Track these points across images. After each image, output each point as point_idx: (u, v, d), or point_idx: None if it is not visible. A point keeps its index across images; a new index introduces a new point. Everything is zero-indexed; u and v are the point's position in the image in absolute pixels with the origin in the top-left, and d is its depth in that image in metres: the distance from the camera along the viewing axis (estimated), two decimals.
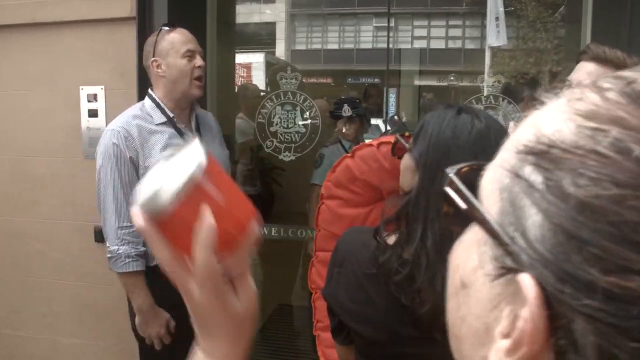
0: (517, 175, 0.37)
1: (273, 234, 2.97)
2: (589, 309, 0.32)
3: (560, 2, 6.97)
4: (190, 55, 2.13)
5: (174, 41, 2.13)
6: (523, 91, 3.76)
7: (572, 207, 0.33)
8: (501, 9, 3.63)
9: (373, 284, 1.21)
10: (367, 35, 10.49)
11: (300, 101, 2.94)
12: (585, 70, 1.86)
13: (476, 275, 0.41)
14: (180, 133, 2.18)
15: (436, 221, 1.14)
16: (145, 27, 2.49)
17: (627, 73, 0.36)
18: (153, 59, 2.15)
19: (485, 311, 0.40)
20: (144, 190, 0.60)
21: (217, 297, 0.63)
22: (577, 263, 0.32)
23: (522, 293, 0.34)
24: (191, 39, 2.17)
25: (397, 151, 1.35)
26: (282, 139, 2.95)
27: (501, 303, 0.38)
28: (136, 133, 2.10)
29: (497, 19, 4.02)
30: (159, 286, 2.20)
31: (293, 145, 2.94)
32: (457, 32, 9.78)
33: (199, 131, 2.26)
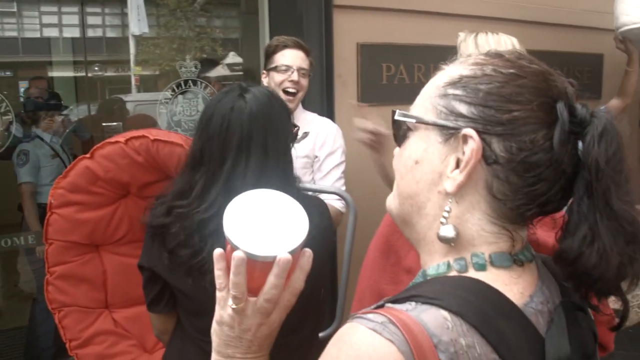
0: (445, 94, 0.79)
1: None
2: (499, 131, 0.74)
3: None
4: None
5: None
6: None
7: (482, 94, 0.76)
8: None
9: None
10: None
11: None
12: (291, 55, 2.37)
13: (427, 151, 0.79)
14: None
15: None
16: None
17: (492, 51, 0.83)
18: None
19: (436, 166, 0.78)
20: (247, 232, 0.80)
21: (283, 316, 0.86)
22: (490, 114, 0.75)
23: (463, 141, 0.75)
24: None
25: None
26: None
27: (448, 156, 0.77)
28: None
29: (140, 6, 4.19)
30: None
31: None
32: (96, 20, 9.43)
33: None
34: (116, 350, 1.87)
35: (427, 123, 0.80)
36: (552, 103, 0.75)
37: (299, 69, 2.33)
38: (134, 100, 5.31)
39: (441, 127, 0.78)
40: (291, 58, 2.36)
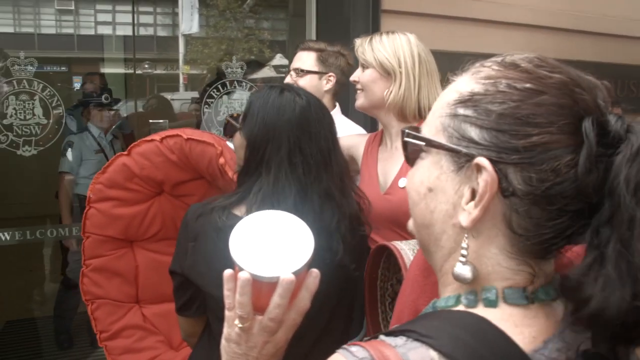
0: (455, 114, 0.70)
1: (6, 239, 2.64)
2: (515, 159, 0.64)
3: None
4: None
5: None
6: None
7: (494, 116, 0.66)
8: None
9: None
10: (49, 19, 9.60)
11: (39, 90, 2.67)
12: (304, 57, 2.33)
13: (440, 179, 0.71)
14: None
15: (268, 183, 1.30)
16: None
17: (500, 56, 0.73)
18: None
19: (450, 196, 0.70)
20: (253, 253, 0.82)
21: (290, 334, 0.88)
22: (504, 140, 0.65)
23: (477, 171, 0.66)
24: None
25: (228, 131, 1.44)
26: (20, 132, 2.64)
27: (462, 186, 0.69)
28: None
29: (192, 6, 4.23)
30: None
31: (34, 138, 2.66)
32: (148, 19, 9.61)
33: None
34: (143, 345, 1.89)
35: (437, 147, 0.72)
36: (577, 122, 0.64)
37: (295, 70, 2.28)
38: (181, 98, 5.41)
39: (452, 153, 0.70)
40: (293, 62, 2.34)
